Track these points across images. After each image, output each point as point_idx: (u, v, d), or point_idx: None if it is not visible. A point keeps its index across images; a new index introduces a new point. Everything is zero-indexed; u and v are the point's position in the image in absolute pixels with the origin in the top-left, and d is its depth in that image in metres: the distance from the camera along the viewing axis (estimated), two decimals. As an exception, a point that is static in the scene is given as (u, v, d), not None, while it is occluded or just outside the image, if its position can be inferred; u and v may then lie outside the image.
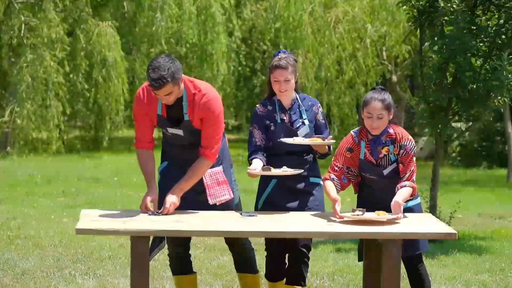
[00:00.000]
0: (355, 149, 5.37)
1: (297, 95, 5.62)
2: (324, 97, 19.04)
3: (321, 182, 5.57)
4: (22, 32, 17.84)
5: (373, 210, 5.29)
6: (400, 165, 5.30)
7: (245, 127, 27.36)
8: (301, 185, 5.56)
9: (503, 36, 8.46)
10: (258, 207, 5.61)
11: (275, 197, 5.54)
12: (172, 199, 5.19)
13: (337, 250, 8.50)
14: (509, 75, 8.26)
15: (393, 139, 5.32)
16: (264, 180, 5.63)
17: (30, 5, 18.33)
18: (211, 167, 5.45)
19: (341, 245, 8.72)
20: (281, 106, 5.58)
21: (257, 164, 5.39)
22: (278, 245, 5.64)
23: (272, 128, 5.56)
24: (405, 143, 5.30)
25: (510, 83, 8.33)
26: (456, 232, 4.94)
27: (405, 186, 5.23)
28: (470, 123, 9.91)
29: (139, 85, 19.99)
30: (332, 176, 5.34)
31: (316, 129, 5.62)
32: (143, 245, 4.76)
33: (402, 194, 5.19)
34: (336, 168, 5.37)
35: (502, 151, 19.81)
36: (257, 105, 5.65)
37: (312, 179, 5.61)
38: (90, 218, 5.03)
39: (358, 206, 5.51)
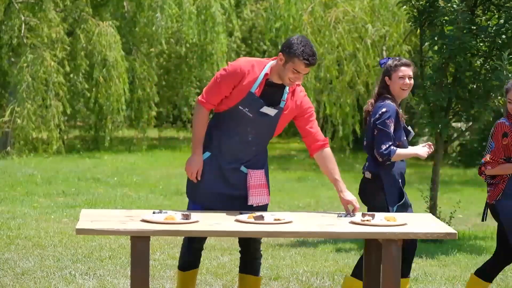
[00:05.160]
0: (509, 133, 5.64)
1: None
2: (324, 98, 19.03)
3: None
4: (22, 32, 17.83)
5: None
6: None
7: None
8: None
9: (503, 36, 8.47)
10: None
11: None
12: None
13: (337, 250, 8.50)
14: (509, 75, 8.26)
15: None
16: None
17: (30, 5, 18.31)
18: (256, 168, 5.46)
19: (341, 245, 8.72)
20: None
21: None
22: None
23: None
24: None
25: (510, 83, 8.33)
26: (456, 232, 4.95)
27: None
28: (470, 123, 9.91)
29: (139, 85, 19.96)
30: None
31: None
32: (143, 245, 4.76)
33: None
34: (502, 161, 5.69)
35: (502, 151, 19.79)
36: None
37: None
38: (90, 218, 5.03)
39: None
